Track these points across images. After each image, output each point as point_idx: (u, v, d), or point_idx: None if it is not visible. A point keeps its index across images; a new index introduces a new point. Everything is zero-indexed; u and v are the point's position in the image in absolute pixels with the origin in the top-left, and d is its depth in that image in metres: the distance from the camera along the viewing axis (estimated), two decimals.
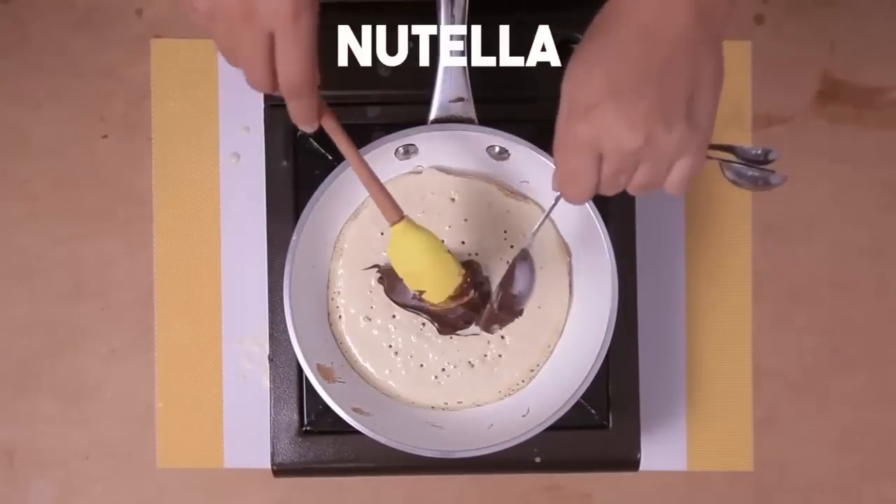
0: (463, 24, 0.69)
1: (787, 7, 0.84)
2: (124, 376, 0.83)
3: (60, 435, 0.83)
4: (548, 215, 0.67)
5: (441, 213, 0.73)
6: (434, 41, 0.69)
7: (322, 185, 0.69)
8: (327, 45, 0.74)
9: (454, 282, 0.68)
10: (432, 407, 0.74)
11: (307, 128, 0.61)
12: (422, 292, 0.68)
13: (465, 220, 0.73)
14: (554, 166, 0.70)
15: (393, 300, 0.72)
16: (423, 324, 0.73)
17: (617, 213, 0.74)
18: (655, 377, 0.82)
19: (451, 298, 0.68)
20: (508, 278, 0.67)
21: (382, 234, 0.73)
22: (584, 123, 0.56)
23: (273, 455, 0.74)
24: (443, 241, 0.70)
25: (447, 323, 0.72)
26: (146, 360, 0.83)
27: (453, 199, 0.74)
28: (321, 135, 0.74)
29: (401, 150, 0.71)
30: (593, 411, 0.74)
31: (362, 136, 0.72)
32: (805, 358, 0.84)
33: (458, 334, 0.73)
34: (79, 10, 0.84)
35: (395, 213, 0.64)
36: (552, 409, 0.69)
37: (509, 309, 0.68)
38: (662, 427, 0.83)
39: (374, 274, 0.73)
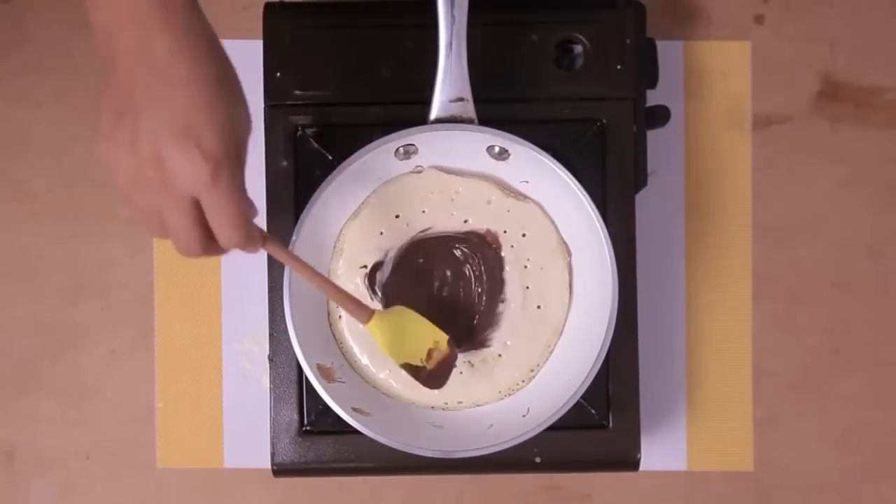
0: (463, 24, 0.69)
1: (787, 7, 0.84)
2: (124, 376, 0.83)
3: (60, 435, 0.83)
4: None
5: (441, 213, 0.73)
6: (434, 41, 0.69)
7: (322, 185, 0.69)
8: (328, 44, 0.74)
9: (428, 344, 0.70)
10: (432, 407, 0.74)
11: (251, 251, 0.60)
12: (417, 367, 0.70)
13: (466, 220, 0.73)
14: (555, 167, 0.70)
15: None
16: None
17: (617, 213, 0.74)
18: (655, 377, 0.82)
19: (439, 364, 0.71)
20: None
21: (382, 233, 0.73)
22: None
23: (273, 455, 0.74)
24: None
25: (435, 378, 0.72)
26: (146, 360, 0.83)
27: (453, 199, 0.74)
28: (321, 134, 0.75)
29: (401, 150, 0.71)
30: (593, 411, 0.74)
31: (362, 136, 0.72)
32: (805, 358, 0.84)
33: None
34: (79, 10, 0.83)
35: (365, 314, 0.66)
36: (552, 409, 0.69)
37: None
38: (662, 427, 0.83)
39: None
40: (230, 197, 0.54)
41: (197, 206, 0.55)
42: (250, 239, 0.57)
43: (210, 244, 0.57)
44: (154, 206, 0.55)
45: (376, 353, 0.73)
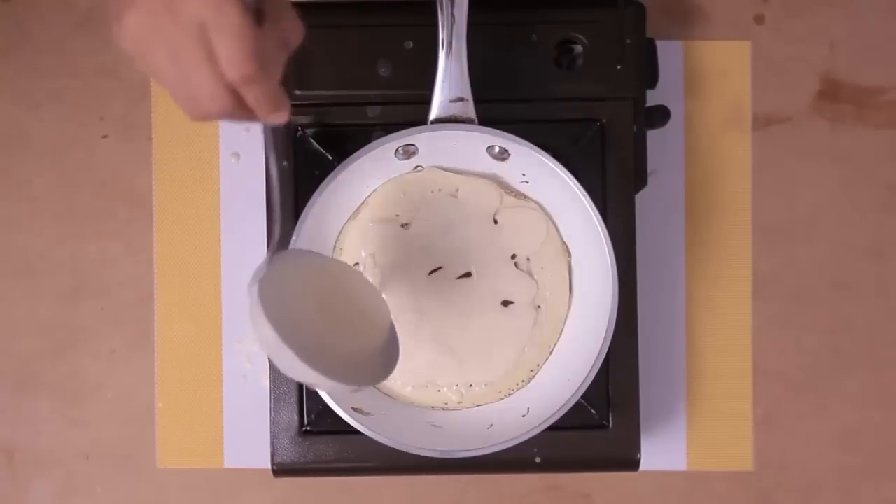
0: (463, 23, 0.69)
1: (787, 7, 0.84)
2: (124, 376, 0.83)
3: (60, 435, 0.83)
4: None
5: (442, 211, 0.73)
6: (434, 41, 0.69)
7: (322, 185, 0.69)
8: (328, 44, 0.74)
9: None
10: (432, 407, 0.74)
11: (276, 119, 0.55)
12: None
13: (465, 219, 0.73)
14: (551, 164, 0.70)
15: None
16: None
17: (617, 213, 0.74)
18: (655, 377, 0.82)
19: None
20: None
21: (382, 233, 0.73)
22: None
23: (273, 455, 0.74)
24: None
25: None
26: (146, 360, 0.83)
27: (454, 197, 0.74)
28: (321, 134, 0.75)
29: (401, 150, 0.71)
30: (593, 411, 0.74)
31: (362, 136, 0.72)
32: (805, 358, 0.84)
33: None
34: (79, 10, 0.84)
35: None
36: (552, 409, 0.69)
37: None
38: (662, 427, 0.83)
39: (374, 273, 0.73)
40: (233, 4, 0.50)
41: (207, 36, 0.51)
42: (258, 66, 0.51)
43: (230, 93, 0.53)
44: (169, 52, 0.52)
45: None
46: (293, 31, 0.55)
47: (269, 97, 0.54)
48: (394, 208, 0.73)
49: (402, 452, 0.69)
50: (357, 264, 0.73)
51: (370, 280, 0.71)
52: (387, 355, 0.66)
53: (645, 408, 0.76)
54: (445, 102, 0.70)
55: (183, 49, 0.51)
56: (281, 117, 0.55)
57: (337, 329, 0.64)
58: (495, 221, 0.73)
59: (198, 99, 0.53)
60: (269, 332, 0.58)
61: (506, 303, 0.73)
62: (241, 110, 0.54)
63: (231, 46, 0.51)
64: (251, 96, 0.53)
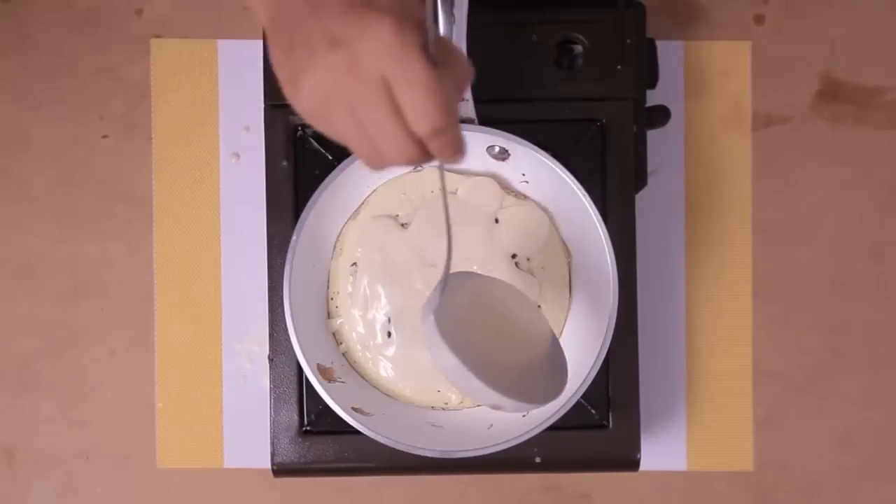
0: (463, 24, 0.69)
1: (787, 7, 0.84)
2: (124, 376, 0.83)
3: (60, 435, 0.83)
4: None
5: (441, 211, 0.73)
6: None
7: (322, 185, 0.69)
8: None
9: None
10: (432, 407, 0.74)
11: (455, 161, 0.54)
12: None
13: (465, 218, 0.73)
14: (551, 164, 0.70)
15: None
16: None
17: (617, 213, 0.74)
18: (655, 377, 0.82)
19: None
20: None
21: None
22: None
23: (273, 455, 0.74)
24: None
25: None
26: (146, 360, 0.83)
27: (454, 196, 0.74)
28: (321, 134, 0.74)
29: None
30: (593, 411, 0.74)
31: None
32: (805, 358, 0.84)
33: None
34: (78, 9, 0.84)
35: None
36: (552, 409, 0.69)
37: None
38: (662, 427, 0.83)
39: (375, 273, 0.73)
40: (418, 57, 0.49)
41: (390, 88, 0.50)
42: (450, 117, 0.50)
43: (416, 141, 0.51)
44: (350, 109, 0.51)
45: (376, 353, 0.73)
46: (465, 74, 0.54)
47: (453, 143, 0.53)
48: (394, 208, 0.73)
49: (402, 452, 0.69)
50: (355, 264, 0.73)
51: (370, 278, 0.71)
52: (554, 367, 0.65)
53: (645, 408, 0.76)
54: None
55: (366, 105, 0.50)
56: (459, 159, 0.54)
57: (504, 346, 0.63)
58: (496, 221, 0.73)
59: (383, 153, 0.52)
60: (453, 361, 0.58)
61: None
62: (424, 158, 0.53)
63: (421, 100, 0.50)
64: (437, 145, 0.52)
